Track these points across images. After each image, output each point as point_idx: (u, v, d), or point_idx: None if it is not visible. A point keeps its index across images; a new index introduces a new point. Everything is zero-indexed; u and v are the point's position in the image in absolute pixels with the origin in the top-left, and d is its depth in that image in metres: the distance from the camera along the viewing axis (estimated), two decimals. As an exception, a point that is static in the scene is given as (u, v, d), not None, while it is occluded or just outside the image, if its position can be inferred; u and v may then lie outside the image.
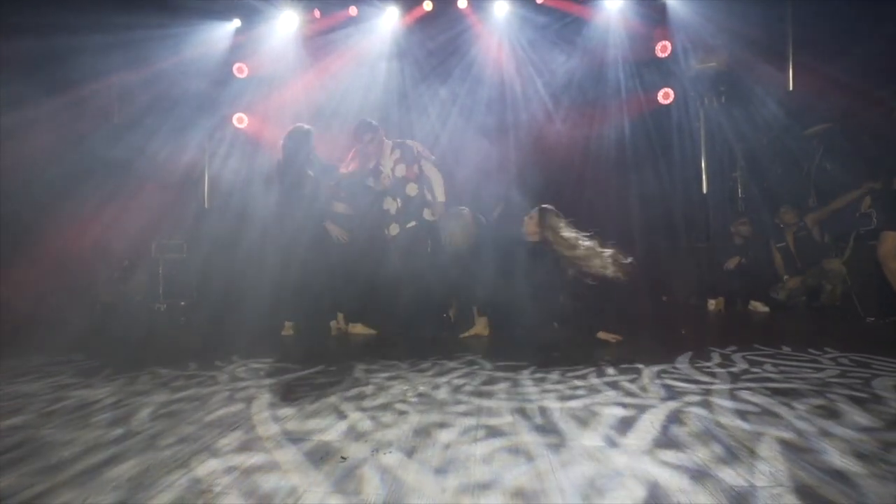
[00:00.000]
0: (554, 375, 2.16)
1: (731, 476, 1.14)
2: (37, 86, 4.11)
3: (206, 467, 1.23)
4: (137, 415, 1.69)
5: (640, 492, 1.07)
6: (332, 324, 3.79)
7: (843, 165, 4.78)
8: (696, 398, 1.78)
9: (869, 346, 2.64)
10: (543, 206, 3.28)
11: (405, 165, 3.67)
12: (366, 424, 1.55)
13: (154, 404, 1.82)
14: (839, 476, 1.13)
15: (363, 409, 1.71)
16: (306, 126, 3.67)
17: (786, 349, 2.63)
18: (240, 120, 6.04)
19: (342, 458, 1.29)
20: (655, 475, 1.15)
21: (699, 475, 1.15)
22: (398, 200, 3.71)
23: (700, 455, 1.26)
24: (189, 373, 2.36)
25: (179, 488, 1.12)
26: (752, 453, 1.27)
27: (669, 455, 1.27)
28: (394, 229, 3.73)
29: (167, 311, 5.51)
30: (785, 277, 4.49)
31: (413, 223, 3.69)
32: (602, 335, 3.00)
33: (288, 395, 1.93)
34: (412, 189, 3.68)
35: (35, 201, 4.16)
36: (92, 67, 4.53)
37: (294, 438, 1.43)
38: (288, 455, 1.31)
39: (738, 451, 1.28)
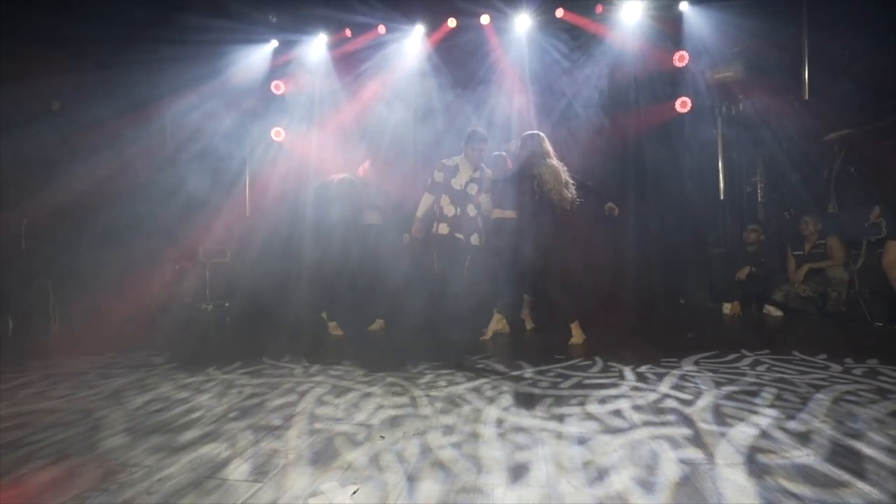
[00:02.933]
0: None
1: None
2: (107, 110, 4.65)
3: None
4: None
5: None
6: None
7: (865, 169, 4.85)
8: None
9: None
10: None
11: (478, 188, 3.90)
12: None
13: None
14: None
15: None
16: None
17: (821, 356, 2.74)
18: (277, 133, 6.50)
19: (381, 437, 1.63)
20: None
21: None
22: (457, 209, 3.88)
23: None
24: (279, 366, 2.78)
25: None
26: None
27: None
28: (443, 228, 3.89)
29: (213, 311, 6.02)
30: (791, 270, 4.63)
31: (460, 236, 3.88)
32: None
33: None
34: (472, 210, 3.90)
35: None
36: (151, 94, 5.04)
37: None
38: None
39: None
